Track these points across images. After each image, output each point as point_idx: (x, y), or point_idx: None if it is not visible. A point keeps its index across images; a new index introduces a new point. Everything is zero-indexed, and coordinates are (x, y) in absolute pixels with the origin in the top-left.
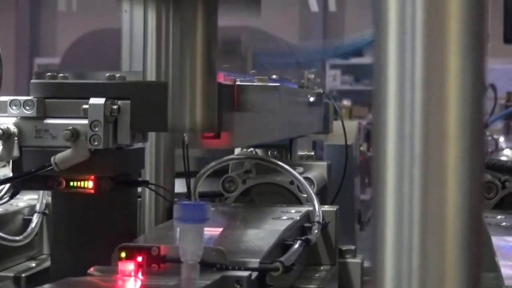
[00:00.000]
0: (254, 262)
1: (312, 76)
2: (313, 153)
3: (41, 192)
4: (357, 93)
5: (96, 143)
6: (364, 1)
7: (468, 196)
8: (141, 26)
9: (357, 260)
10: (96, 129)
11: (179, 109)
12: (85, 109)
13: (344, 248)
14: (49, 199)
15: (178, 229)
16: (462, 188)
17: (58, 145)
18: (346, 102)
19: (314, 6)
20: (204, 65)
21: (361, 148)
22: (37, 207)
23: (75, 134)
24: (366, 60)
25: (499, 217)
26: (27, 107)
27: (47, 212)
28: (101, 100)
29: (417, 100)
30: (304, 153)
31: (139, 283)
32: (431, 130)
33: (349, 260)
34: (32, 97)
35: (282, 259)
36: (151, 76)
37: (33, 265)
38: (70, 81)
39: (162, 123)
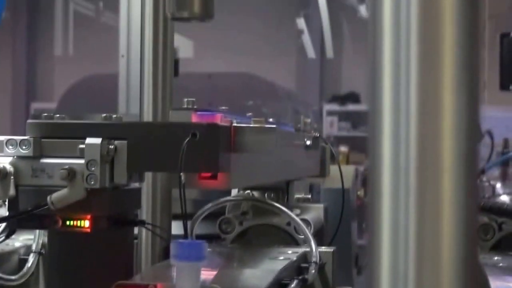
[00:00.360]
0: None
1: (309, 120)
2: (309, 196)
3: (37, 232)
4: (354, 139)
5: (92, 182)
6: (360, 47)
7: (463, 232)
8: (137, 69)
9: None
10: (93, 168)
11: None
12: (82, 149)
13: None
14: (46, 239)
15: (174, 268)
16: (457, 225)
17: (54, 184)
18: (343, 148)
19: (311, 53)
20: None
21: (359, 193)
22: (33, 247)
23: (71, 173)
24: (363, 107)
25: (496, 258)
26: (24, 147)
27: (43, 252)
28: (97, 140)
29: (412, 133)
30: (301, 196)
31: None
32: (427, 164)
33: None
34: (28, 136)
35: None
36: (147, 119)
37: None
38: (66, 121)
39: (158, 163)
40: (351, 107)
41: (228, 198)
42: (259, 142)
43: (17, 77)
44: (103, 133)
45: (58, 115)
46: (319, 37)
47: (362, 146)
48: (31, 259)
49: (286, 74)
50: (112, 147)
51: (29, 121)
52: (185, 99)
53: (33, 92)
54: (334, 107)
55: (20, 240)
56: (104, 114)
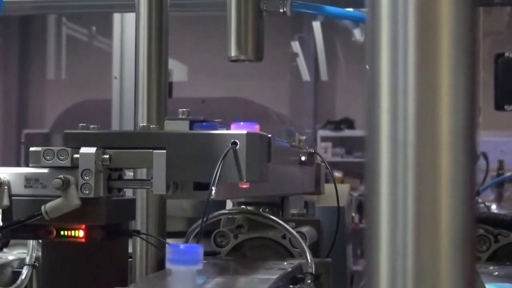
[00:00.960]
0: None
1: (304, 137)
2: (305, 211)
3: (30, 245)
4: (348, 165)
5: (87, 191)
6: (355, 71)
7: (461, 202)
8: (130, 91)
9: None
10: (87, 177)
11: None
12: (76, 158)
13: None
14: (39, 252)
15: (169, 278)
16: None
17: (48, 194)
18: (337, 174)
19: (306, 76)
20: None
21: (353, 214)
22: (27, 260)
23: (65, 183)
24: (357, 132)
25: (491, 267)
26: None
27: (37, 265)
28: (92, 149)
29: (410, 106)
30: (295, 211)
31: None
32: (425, 137)
33: None
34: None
35: None
36: None
37: None
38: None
39: (198, 172)
40: (345, 132)
41: (222, 211)
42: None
43: (8, 103)
44: (142, 143)
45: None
46: (313, 60)
47: (357, 172)
48: (24, 271)
49: (280, 99)
50: (106, 156)
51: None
52: (180, 110)
53: (24, 119)
54: (328, 132)
55: (13, 254)
56: (142, 124)
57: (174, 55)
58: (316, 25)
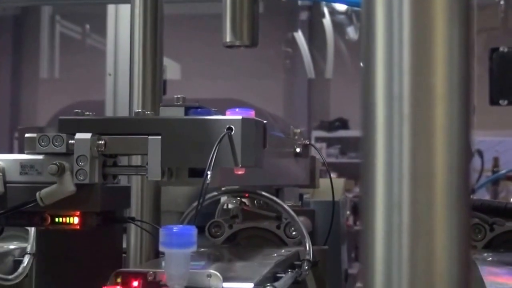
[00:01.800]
0: (248, 285)
1: (299, 130)
2: (300, 204)
3: (31, 234)
4: (343, 166)
5: (82, 177)
6: (349, 70)
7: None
8: (124, 88)
9: None
10: (82, 163)
11: None
12: (71, 144)
13: None
14: None
15: (163, 261)
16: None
17: (43, 181)
18: (332, 175)
19: (300, 75)
20: None
21: (348, 212)
22: (28, 249)
23: (60, 169)
24: (352, 133)
25: (485, 254)
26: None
27: None
28: (87, 135)
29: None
30: (290, 203)
31: None
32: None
33: None
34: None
35: (275, 284)
36: None
37: None
38: (79, 117)
39: (194, 158)
40: (339, 133)
41: (223, 189)
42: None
43: (1, 101)
44: (137, 129)
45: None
46: (307, 60)
47: (351, 173)
48: (26, 259)
49: (274, 100)
50: (101, 142)
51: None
52: (175, 96)
53: (17, 117)
54: (323, 133)
55: (14, 243)
56: (137, 110)
57: (167, 53)
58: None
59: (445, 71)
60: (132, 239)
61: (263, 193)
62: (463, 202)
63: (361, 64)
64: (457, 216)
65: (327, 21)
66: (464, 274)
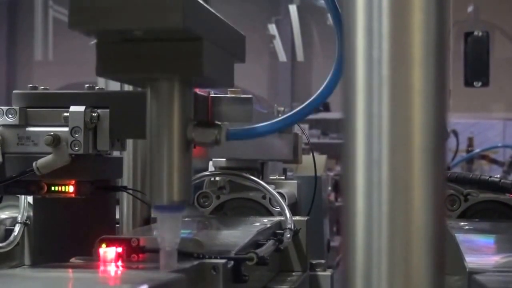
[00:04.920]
0: (230, 252)
1: (282, 109)
2: (284, 177)
3: (22, 204)
4: (325, 146)
5: (76, 148)
6: (330, 51)
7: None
8: None
9: (327, 273)
10: (77, 135)
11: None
12: (66, 117)
13: (314, 262)
14: (31, 212)
15: (155, 230)
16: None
17: (39, 151)
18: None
19: (282, 56)
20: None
21: (329, 189)
22: (19, 218)
23: (56, 140)
24: (333, 115)
25: (461, 223)
26: (10, 115)
27: (29, 223)
28: (81, 108)
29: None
30: (275, 177)
31: (120, 268)
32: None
33: (320, 273)
34: (14, 106)
35: (257, 251)
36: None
37: None
38: (51, 91)
39: (139, 130)
40: (321, 114)
41: (206, 173)
42: (236, 112)
43: None
44: (86, 102)
45: (42, 87)
46: (290, 43)
47: (333, 153)
48: (16, 229)
49: (257, 81)
50: (95, 114)
51: (15, 91)
52: None
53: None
54: None
55: (5, 213)
56: (88, 85)
57: None
58: (293, 8)
59: (422, 36)
60: (125, 208)
61: (244, 174)
62: (439, 160)
63: (343, 30)
64: (433, 172)
65: (292, 7)
66: (439, 226)
